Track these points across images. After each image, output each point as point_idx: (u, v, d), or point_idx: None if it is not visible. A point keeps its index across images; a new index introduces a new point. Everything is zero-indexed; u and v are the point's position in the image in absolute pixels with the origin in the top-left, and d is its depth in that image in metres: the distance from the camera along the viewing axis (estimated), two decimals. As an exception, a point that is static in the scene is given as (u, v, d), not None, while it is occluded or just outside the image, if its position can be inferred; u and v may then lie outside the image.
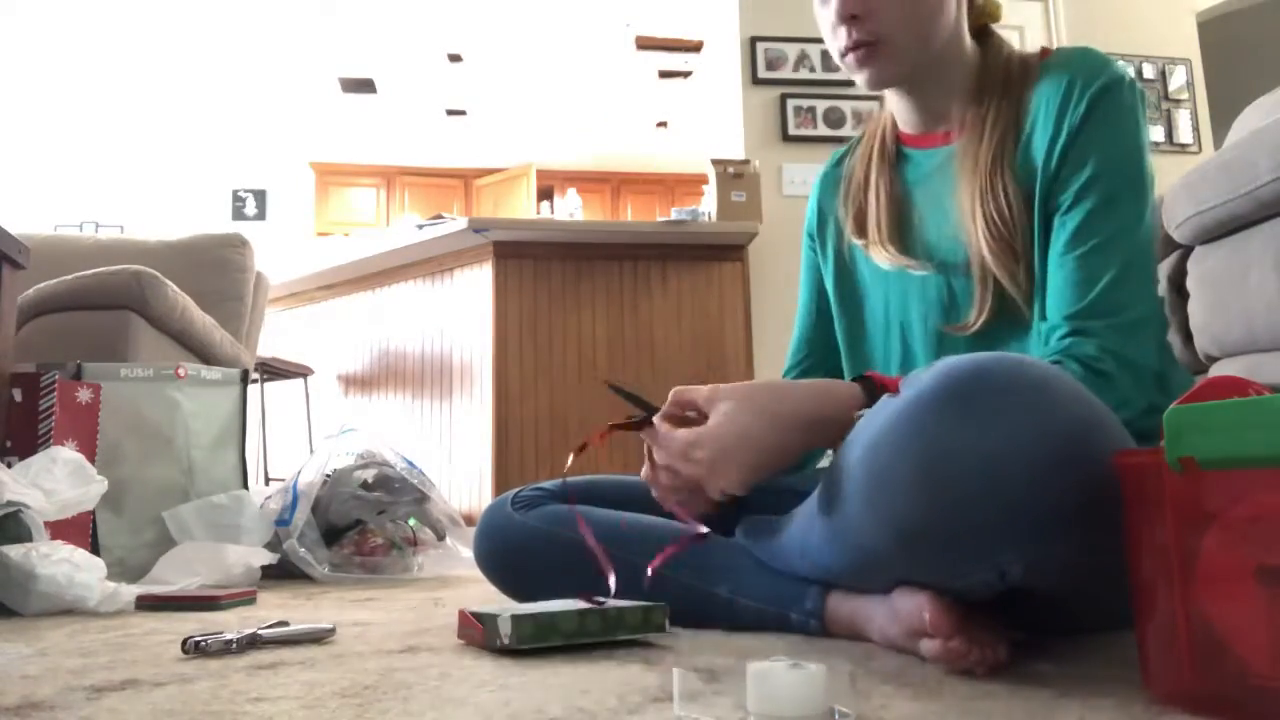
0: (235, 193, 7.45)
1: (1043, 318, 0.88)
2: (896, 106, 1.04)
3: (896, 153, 1.04)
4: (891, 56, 0.93)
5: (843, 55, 0.95)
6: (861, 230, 1.05)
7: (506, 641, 0.79)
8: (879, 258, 1.02)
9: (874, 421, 0.72)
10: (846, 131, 3.94)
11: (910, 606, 0.73)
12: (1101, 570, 0.67)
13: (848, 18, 0.91)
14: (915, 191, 1.01)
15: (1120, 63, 0.90)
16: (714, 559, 0.94)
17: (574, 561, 0.97)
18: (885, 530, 0.69)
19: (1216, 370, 1.64)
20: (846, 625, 0.86)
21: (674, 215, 3.42)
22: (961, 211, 0.93)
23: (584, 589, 0.92)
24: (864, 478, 0.70)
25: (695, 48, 6.16)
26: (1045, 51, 0.96)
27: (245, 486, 1.93)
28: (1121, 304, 0.83)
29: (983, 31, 1.00)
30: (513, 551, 1.08)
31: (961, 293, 0.95)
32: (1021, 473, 0.62)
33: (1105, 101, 0.87)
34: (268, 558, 1.63)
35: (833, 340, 1.12)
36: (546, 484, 1.12)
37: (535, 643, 0.80)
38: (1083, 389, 0.69)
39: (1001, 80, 0.94)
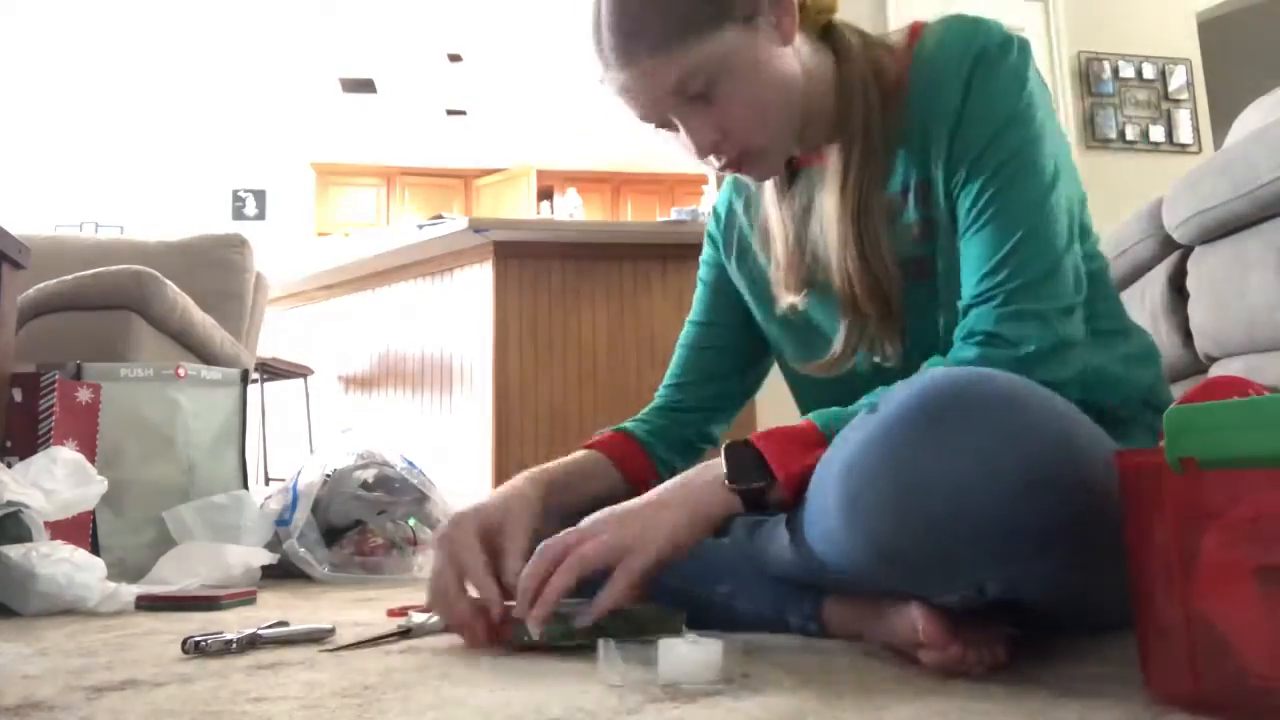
0: (235, 193, 7.46)
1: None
2: None
3: (790, 176, 0.98)
4: (765, 157, 0.89)
5: (720, 171, 0.91)
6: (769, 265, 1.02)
7: (535, 638, 0.78)
8: (782, 301, 0.99)
9: (850, 440, 0.71)
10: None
11: (904, 619, 0.72)
12: (1094, 580, 0.67)
13: (709, 148, 0.86)
14: (810, 217, 0.96)
15: (995, 22, 0.86)
16: (709, 560, 0.92)
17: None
18: (864, 549, 0.68)
19: (1216, 370, 1.64)
20: (846, 627, 0.85)
21: (674, 215, 3.42)
22: (829, 244, 0.91)
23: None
24: (841, 498, 0.69)
25: (695, 48, 6.15)
26: (915, 30, 0.90)
27: (245, 486, 1.93)
28: (1021, 266, 0.80)
29: (828, 31, 0.93)
30: None
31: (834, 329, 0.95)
32: (991, 498, 0.61)
33: (979, 75, 0.84)
34: (268, 558, 1.63)
35: (717, 368, 1.12)
36: None
37: (563, 641, 0.79)
38: (1057, 401, 0.69)
39: (862, 94, 0.89)
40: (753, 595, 0.91)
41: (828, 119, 0.91)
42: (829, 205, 0.91)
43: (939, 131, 0.86)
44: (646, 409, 1.14)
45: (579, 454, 1.03)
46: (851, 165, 0.89)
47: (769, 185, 1.00)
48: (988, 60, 0.84)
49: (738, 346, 1.12)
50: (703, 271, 1.14)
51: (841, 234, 0.89)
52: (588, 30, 0.85)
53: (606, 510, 0.82)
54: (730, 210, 1.10)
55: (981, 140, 0.84)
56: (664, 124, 0.87)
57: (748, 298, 1.09)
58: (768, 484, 0.78)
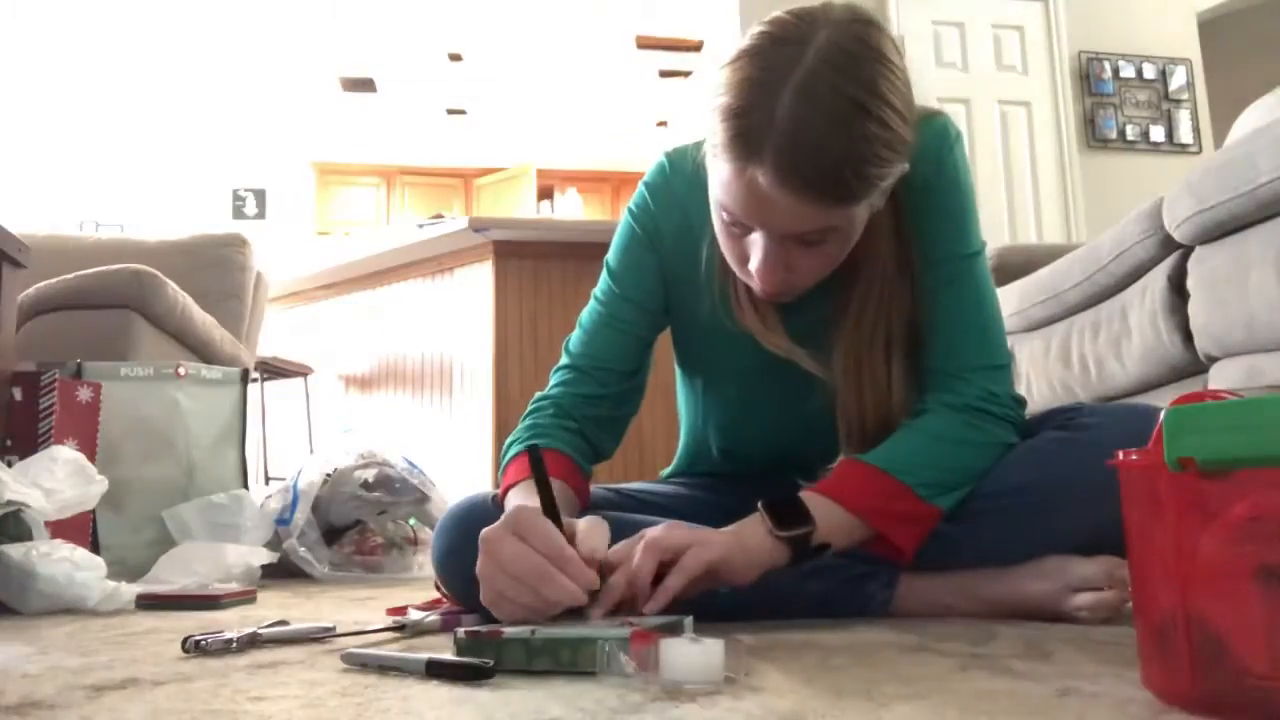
0: (235, 192, 7.46)
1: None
2: None
3: None
4: (805, 287, 0.92)
5: (760, 291, 0.91)
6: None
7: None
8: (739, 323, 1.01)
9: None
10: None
11: (1090, 567, 0.89)
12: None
13: (786, 287, 0.89)
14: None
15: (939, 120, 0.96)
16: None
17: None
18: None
19: (1216, 371, 1.64)
20: (926, 599, 0.94)
21: (674, 215, 3.42)
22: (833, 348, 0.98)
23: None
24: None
25: (695, 47, 6.16)
26: None
27: (245, 486, 1.93)
28: (990, 354, 0.98)
29: None
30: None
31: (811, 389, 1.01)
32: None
33: (937, 183, 0.95)
34: (268, 557, 1.63)
35: (629, 365, 1.08)
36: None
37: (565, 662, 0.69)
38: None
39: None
40: (826, 573, 0.94)
41: None
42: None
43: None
44: (555, 397, 1.07)
45: (556, 484, 0.90)
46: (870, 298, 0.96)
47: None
48: (948, 141, 0.96)
49: (650, 339, 1.10)
50: (631, 248, 1.07)
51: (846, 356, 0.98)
52: (752, 101, 0.79)
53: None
54: (668, 197, 1.05)
55: (943, 245, 0.97)
56: (744, 227, 0.87)
57: (666, 291, 1.07)
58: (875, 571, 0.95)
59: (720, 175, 0.84)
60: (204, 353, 2.40)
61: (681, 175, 1.03)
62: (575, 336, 1.10)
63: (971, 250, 0.99)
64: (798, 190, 0.79)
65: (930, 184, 0.94)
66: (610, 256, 1.09)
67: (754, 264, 0.87)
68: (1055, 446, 0.94)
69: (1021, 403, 1.00)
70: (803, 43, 0.79)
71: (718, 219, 0.90)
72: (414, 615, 0.94)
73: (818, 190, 0.79)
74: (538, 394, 1.10)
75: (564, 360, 1.10)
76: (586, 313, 1.10)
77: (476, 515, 0.96)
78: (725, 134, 0.80)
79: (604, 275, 1.09)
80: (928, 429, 0.94)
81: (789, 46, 0.79)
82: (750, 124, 0.79)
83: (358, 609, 1.25)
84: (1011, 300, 2.27)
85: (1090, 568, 0.91)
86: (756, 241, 0.86)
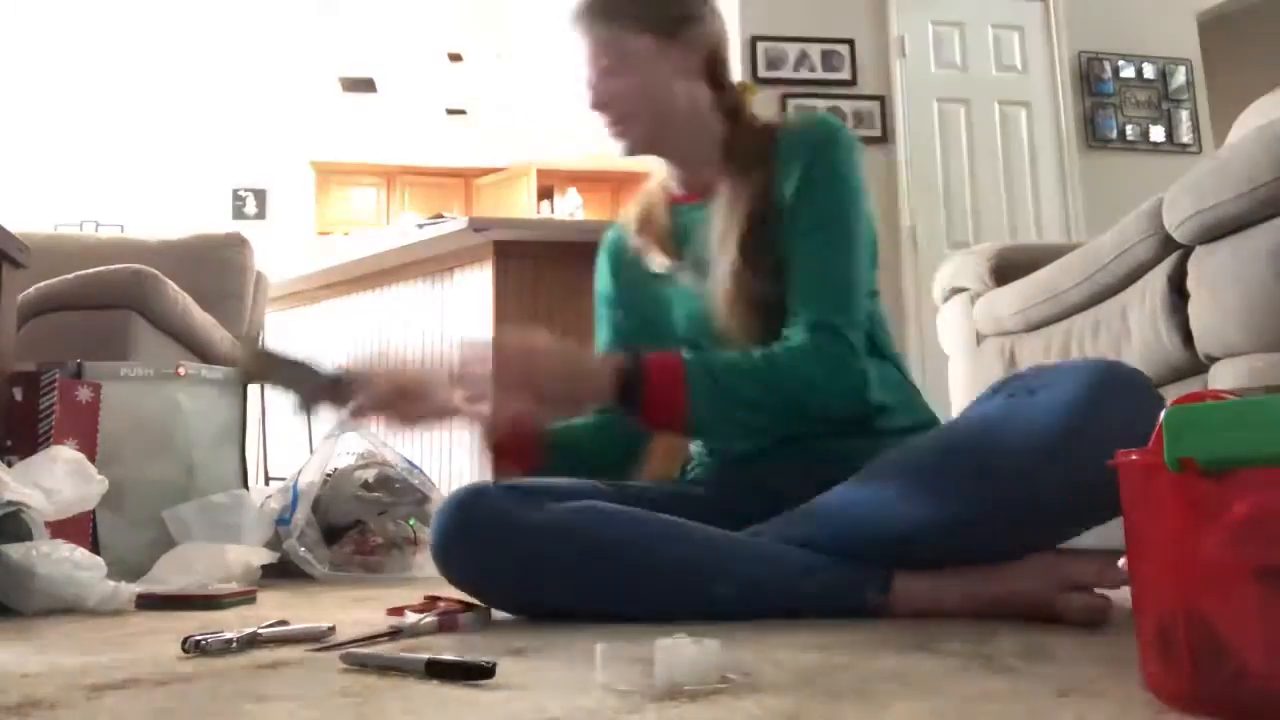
0: (235, 192, 7.45)
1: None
2: (664, 171, 1.25)
3: (669, 210, 1.23)
4: (631, 132, 1.16)
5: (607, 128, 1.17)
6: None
7: None
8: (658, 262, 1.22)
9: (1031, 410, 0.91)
10: (847, 131, 3.93)
11: (1081, 565, 0.90)
12: None
13: (599, 107, 1.15)
14: (684, 242, 1.20)
15: (833, 120, 1.17)
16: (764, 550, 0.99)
17: (620, 567, 0.97)
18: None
19: (1216, 371, 1.64)
20: (918, 602, 0.94)
21: (674, 215, 3.42)
22: (716, 270, 1.12)
23: (617, 601, 0.96)
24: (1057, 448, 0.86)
25: (695, 47, 6.15)
26: (776, 125, 1.18)
27: (245, 486, 1.93)
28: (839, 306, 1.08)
29: (737, 109, 1.19)
30: (530, 558, 0.97)
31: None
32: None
33: (824, 147, 1.11)
34: (268, 557, 1.63)
35: None
36: (516, 482, 1.07)
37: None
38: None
39: (743, 155, 1.15)
40: (819, 574, 0.95)
41: (711, 160, 1.17)
42: (721, 220, 1.13)
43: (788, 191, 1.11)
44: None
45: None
46: (741, 193, 1.12)
47: (654, 216, 1.25)
48: (836, 139, 1.13)
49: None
50: (602, 302, 1.33)
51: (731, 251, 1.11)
52: None
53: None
54: (618, 255, 1.31)
55: (813, 210, 1.10)
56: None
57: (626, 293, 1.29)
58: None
59: None
60: (204, 353, 2.40)
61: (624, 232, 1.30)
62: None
63: (836, 221, 1.10)
64: (574, 20, 1.14)
65: (808, 172, 1.10)
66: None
67: (587, 96, 1.15)
68: (1000, 411, 0.94)
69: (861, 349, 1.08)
70: None
71: None
72: (411, 618, 0.94)
73: (581, 14, 1.14)
74: None
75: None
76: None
77: (499, 520, 0.99)
78: None
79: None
80: (749, 350, 1.06)
81: None
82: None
83: (358, 609, 1.25)
84: (1012, 300, 2.27)
85: (1081, 566, 0.91)
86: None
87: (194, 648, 0.82)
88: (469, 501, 1.01)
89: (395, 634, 0.91)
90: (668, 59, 1.13)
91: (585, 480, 1.12)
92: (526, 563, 0.97)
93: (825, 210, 1.10)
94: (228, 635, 0.84)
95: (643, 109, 1.14)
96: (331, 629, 0.94)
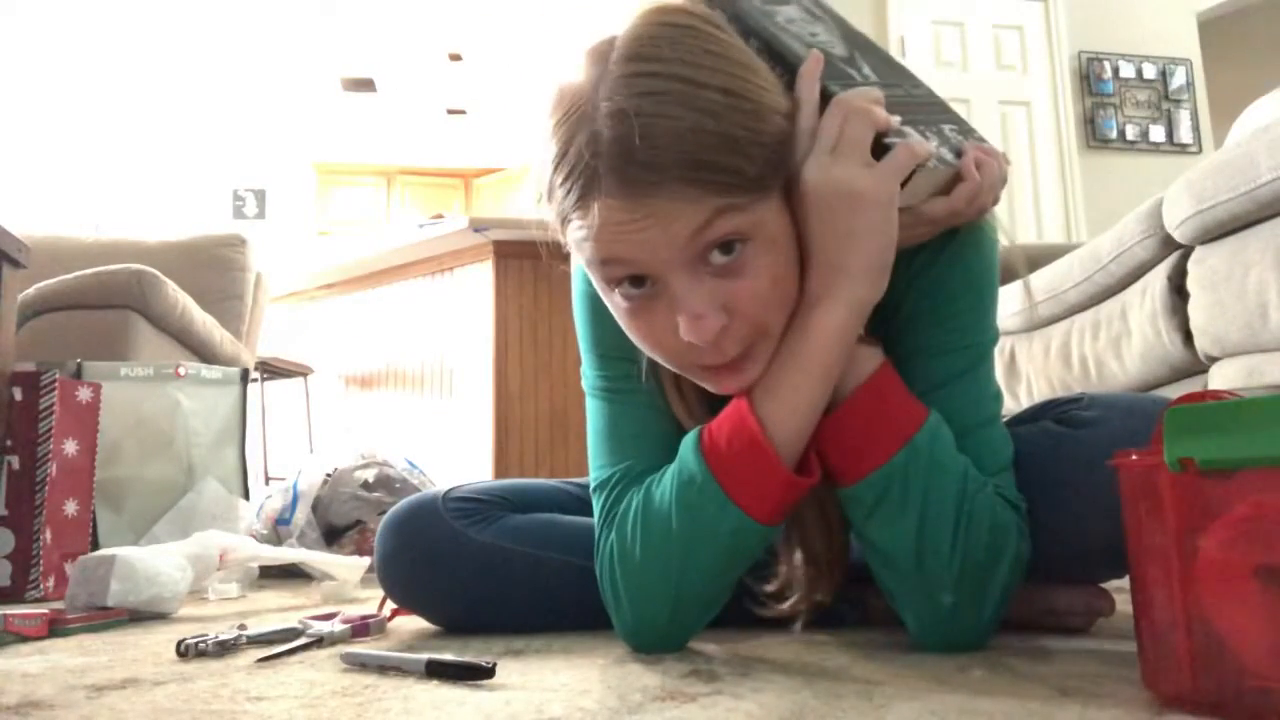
0: (235, 192, 7.45)
1: None
2: None
3: None
4: (764, 354, 0.69)
5: (705, 371, 0.70)
6: None
7: None
8: None
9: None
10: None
11: (1069, 598, 0.86)
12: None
13: (716, 331, 0.65)
14: None
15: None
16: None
17: (559, 589, 0.88)
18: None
19: (1216, 371, 1.64)
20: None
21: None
22: None
23: (570, 615, 0.89)
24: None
25: (695, 47, 6.16)
26: None
27: (245, 486, 1.93)
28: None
29: None
30: (475, 579, 0.88)
31: None
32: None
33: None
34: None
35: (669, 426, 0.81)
36: (476, 486, 0.94)
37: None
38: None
39: None
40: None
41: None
42: None
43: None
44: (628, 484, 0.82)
45: None
46: None
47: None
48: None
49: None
50: (596, 307, 0.83)
51: None
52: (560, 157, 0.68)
53: None
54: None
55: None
56: (637, 282, 0.67)
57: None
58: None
59: (577, 235, 0.67)
60: (204, 353, 2.40)
61: None
62: (599, 450, 0.83)
63: (979, 341, 0.80)
64: (652, 179, 0.61)
65: (941, 281, 0.77)
66: (583, 343, 0.87)
67: (682, 326, 0.65)
68: (1051, 443, 0.80)
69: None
70: (601, 62, 0.69)
71: (611, 299, 0.70)
72: (319, 626, 0.90)
73: (665, 167, 0.61)
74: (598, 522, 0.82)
75: (608, 478, 0.81)
76: (592, 421, 0.86)
77: (436, 538, 0.89)
78: (560, 182, 0.67)
79: (588, 368, 0.86)
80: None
81: (592, 68, 0.70)
82: (577, 153, 0.65)
83: (357, 608, 1.25)
84: (1012, 300, 2.27)
85: (1069, 598, 0.87)
86: (666, 292, 0.66)
87: (188, 650, 0.82)
88: (409, 523, 0.91)
89: (318, 641, 0.87)
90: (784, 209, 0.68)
91: (553, 482, 1.03)
92: (468, 586, 0.89)
93: (962, 334, 0.78)
94: (223, 637, 0.85)
95: (779, 314, 0.69)
96: (303, 630, 0.91)
